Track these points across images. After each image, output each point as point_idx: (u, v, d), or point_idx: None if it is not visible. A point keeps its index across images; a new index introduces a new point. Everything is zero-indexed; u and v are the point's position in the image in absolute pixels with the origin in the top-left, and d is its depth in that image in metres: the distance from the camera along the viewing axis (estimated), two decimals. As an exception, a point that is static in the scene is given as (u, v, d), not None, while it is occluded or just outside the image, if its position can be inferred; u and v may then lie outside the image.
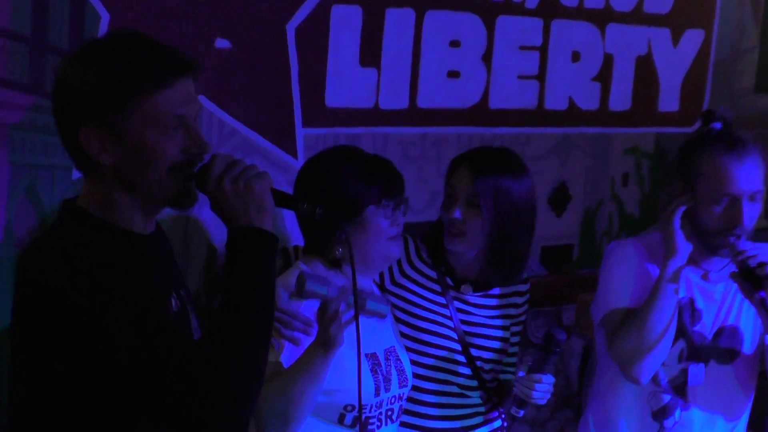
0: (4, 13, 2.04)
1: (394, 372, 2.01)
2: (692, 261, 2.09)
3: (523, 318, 2.25)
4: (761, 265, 1.98)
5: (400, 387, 2.01)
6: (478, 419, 2.19)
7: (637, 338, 2.04)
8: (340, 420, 1.93)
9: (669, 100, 3.15)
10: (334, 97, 2.51)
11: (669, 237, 2.05)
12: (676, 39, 3.13)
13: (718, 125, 2.11)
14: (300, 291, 1.77)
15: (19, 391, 1.48)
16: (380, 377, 1.99)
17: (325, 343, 1.78)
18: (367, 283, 2.04)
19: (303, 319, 1.86)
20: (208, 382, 1.39)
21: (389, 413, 2.00)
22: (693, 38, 3.17)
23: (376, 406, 1.97)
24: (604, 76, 3.01)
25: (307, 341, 1.84)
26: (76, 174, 2.11)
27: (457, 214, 2.05)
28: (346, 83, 2.52)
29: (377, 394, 1.97)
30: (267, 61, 2.38)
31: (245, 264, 1.46)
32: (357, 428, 1.95)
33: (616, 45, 3.01)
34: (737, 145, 2.04)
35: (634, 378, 2.08)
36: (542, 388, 2.06)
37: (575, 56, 2.95)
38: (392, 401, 2.00)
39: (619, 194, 3.13)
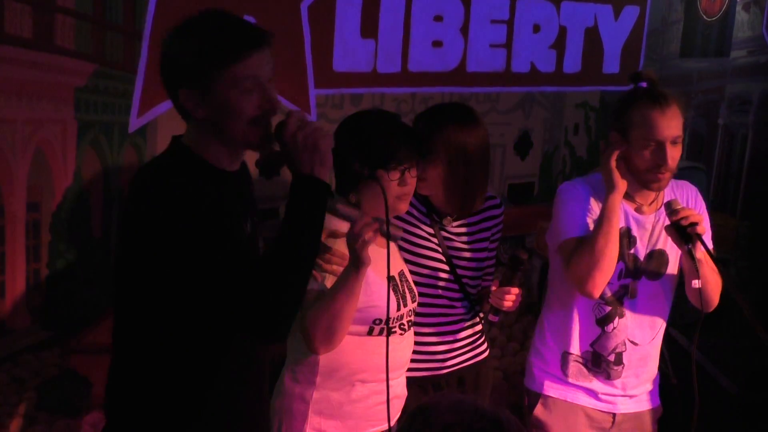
0: (71, -3, 2.13)
1: (407, 290, 2.14)
2: (628, 197, 2.22)
3: (497, 236, 2.37)
4: (692, 224, 2.11)
5: (412, 302, 2.16)
6: (463, 324, 2.35)
7: (589, 261, 2.14)
8: (370, 332, 2.05)
9: (611, 64, 3.31)
10: (340, 63, 2.65)
11: (608, 176, 2.18)
12: (617, 14, 3.30)
13: (643, 84, 2.21)
14: (332, 210, 1.88)
15: (123, 288, 1.67)
16: (398, 295, 2.10)
17: (355, 262, 1.88)
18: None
19: (341, 256, 1.96)
20: (262, 293, 1.55)
21: (408, 323, 2.14)
22: (630, 13, 3.34)
23: (398, 319, 2.10)
24: (559, 45, 3.16)
25: None
26: (132, 127, 2.28)
27: None
28: (350, 51, 2.66)
29: (399, 309, 2.08)
30: (285, 34, 2.49)
31: (303, 205, 1.60)
32: (383, 337, 2.03)
33: (569, 19, 3.16)
34: (660, 99, 2.15)
35: (588, 293, 2.17)
36: (511, 299, 2.21)
37: (536, 28, 3.09)
38: (408, 314, 2.14)
39: (571, 141, 3.33)
